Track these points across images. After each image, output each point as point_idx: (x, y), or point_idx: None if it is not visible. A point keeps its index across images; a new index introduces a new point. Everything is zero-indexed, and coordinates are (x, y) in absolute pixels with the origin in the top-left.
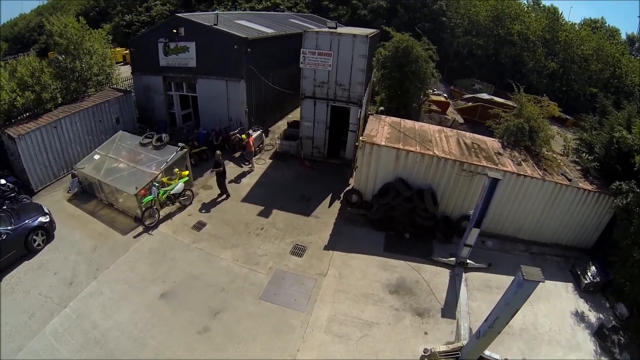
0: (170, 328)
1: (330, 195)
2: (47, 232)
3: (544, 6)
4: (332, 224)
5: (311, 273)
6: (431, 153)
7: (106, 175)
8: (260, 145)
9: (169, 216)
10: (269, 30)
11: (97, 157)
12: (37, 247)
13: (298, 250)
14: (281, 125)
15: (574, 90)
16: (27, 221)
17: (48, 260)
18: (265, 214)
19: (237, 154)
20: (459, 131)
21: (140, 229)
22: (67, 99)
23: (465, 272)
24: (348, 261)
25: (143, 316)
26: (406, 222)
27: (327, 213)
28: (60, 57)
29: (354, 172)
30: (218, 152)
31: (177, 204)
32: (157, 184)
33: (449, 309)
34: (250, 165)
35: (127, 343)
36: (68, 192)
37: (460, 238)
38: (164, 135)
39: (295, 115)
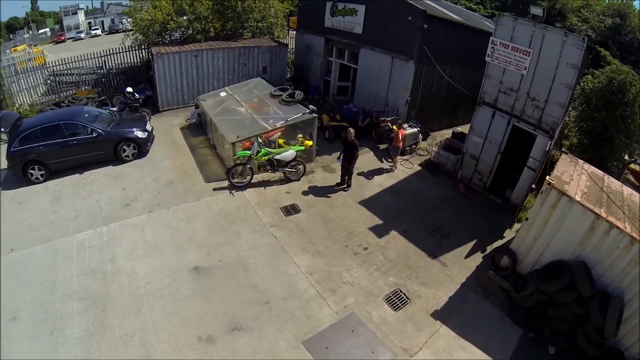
0: (175, 311)
1: (475, 242)
2: (139, 147)
3: None
4: (459, 283)
5: (394, 342)
6: None
7: (219, 114)
8: (413, 146)
9: (263, 184)
10: (454, 16)
11: (223, 94)
12: (126, 158)
13: (397, 300)
14: (445, 135)
15: None
16: (123, 130)
17: (126, 174)
18: (380, 231)
19: (382, 146)
20: None
21: (225, 183)
22: (220, 35)
23: None
24: (454, 350)
25: (161, 280)
26: (562, 332)
27: (460, 264)
28: None
29: (517, 224)
30: (351, 129)
31: (280, 173)
32: (260, 141)
33: None
34: (392, 164)
35: (125, 298)
36: (187, 121)
37: None
38: (297, 92)
39: (465, 129)
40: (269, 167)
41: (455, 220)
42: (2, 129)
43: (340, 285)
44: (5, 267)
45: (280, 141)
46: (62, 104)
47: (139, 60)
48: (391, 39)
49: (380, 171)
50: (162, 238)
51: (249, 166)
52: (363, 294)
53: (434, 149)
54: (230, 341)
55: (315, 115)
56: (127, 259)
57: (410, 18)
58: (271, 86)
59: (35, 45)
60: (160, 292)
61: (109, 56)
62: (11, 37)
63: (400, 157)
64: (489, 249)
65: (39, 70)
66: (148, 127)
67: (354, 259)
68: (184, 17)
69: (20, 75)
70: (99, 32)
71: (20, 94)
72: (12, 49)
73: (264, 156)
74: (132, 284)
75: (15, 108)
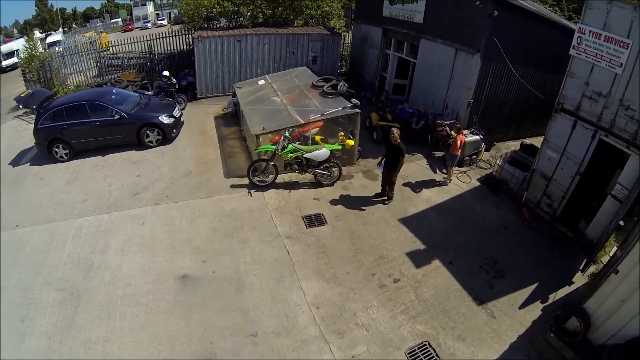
0: (146, 324)
1: (535, 286)
2: (164, 133)
3: None
4: (507, 343)
5: None
6: None
7: (251, 103)
8: (474, 157)
9: (290, 185)
10: (533, 7)
11: (261, 82)
12: (149, 143)
13: (422, 357)
14: (512, 147)
15: None
16: (148, 114)
17: (146, 161)
18: (419, 258)
19: (438, 154)
20: None
21: (246, 180)
22: (269, 22)
23: None
24: None
25: (143, 284)
26: None
27: (511, 317)
28: None
29: (591, 267)
30: (394, 129)
31: (310, 175)
32: (287, 135)
33: None
34: (446, 176)
35: (100, 297)
36: (223, 110)
37: None
38: (341, 83)
39: (534, 142)
40: (296, 166)
41: (514, 254)
42: (32, 106)
43: (352, 328)
44: (7, 242)
45: (317, 138)
46: (104, 85)
47: (185, 46)
48: (455, 28)
49: (431, 183)
50: (159, 235)
51: (272, 163)
52: (379, 343)
53: (497, 162)
54: None
55: (358, 110)
56: (117, 253)
57: (478, 2)
58: (316, 77)
59: (102, 33)
60: (137, 299)
61: (156, 40)
62: (86, 25)
63: (457, 168)
64: (551, 298)
65: (91, 54)
66: (175, 113)
67: (377, 294)
68: (231, 1)
69: (74, 57)
70: (164, 22)
71: (72, 76)
72: (82, 35)
73: (291, 153)
74: (113, 283)
75: (61, 88)
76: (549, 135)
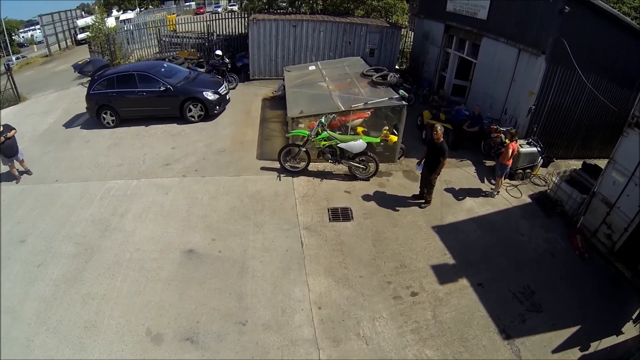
0: (143, 290)
1: (576, 329)
2: (207, 109)
3: None
4: None
5: None
6: None
7: (296, 86)
8: (528, 172)
9: (322, 175)
10: (610, 9)
11: (312, 67)
12: (191, 118)
13: None
14: (573, 166)
15: None
16: (193, 88)
17: (184, 134)
18: (445, 274)
19: (489, 163)
20: None
21: (277, 165)
22: (328, 10)
23: None
24: None
25: (150, 251)
26: None
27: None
28: None
29: None
30: (438, 125)
31: (344, 166)
32: (323, 121)
33: None
34: (494, 187)
35: (109, 257)
36: (273, 92)
37: None
38: (392, 74)
39: (601, 163)
40: (329, 155)
41: (557, 288)
42: (87, 73)
43: (351, 337)
44: (43, 194)
45: (359, 129)
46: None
47: (243, 29)
48: (520, 26)
49: (476, 193)
50: (178, 207)
51: (304, 149)
52: None
53: (553, 179)
54: (175, 351)
55: (404, 103)
56: (135, 218)
57: None
58: (368, 67)
59: (173, 14)
60: (141, 264)
61: (215, 21)
62: (162, 6)
63: (507, 181)
64: (593, 347)
65: (153, 32)
66: (221, 90)
67: (389, 305)
68: None
69: (139, 32)
70: (235, 7)
71: (136, 51)
72: (154, 15)
73: (324, 140)
74: (123, 246)
75: (123, 61)
76: (616, 155)
